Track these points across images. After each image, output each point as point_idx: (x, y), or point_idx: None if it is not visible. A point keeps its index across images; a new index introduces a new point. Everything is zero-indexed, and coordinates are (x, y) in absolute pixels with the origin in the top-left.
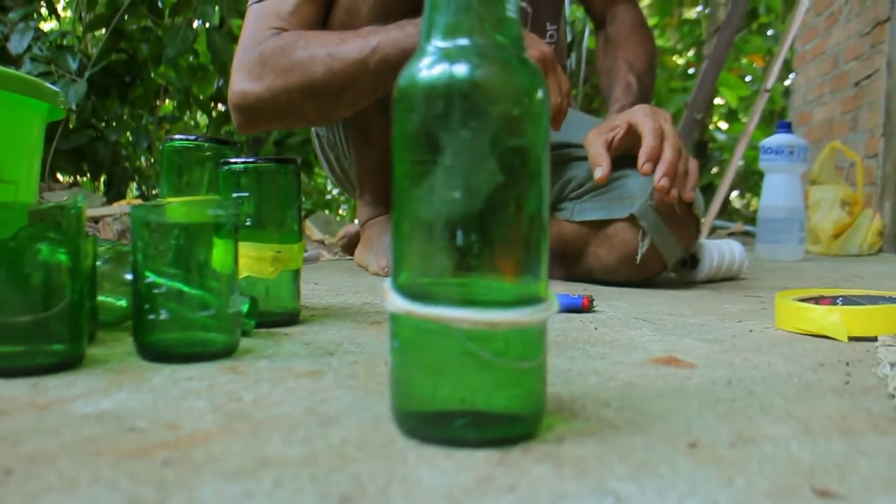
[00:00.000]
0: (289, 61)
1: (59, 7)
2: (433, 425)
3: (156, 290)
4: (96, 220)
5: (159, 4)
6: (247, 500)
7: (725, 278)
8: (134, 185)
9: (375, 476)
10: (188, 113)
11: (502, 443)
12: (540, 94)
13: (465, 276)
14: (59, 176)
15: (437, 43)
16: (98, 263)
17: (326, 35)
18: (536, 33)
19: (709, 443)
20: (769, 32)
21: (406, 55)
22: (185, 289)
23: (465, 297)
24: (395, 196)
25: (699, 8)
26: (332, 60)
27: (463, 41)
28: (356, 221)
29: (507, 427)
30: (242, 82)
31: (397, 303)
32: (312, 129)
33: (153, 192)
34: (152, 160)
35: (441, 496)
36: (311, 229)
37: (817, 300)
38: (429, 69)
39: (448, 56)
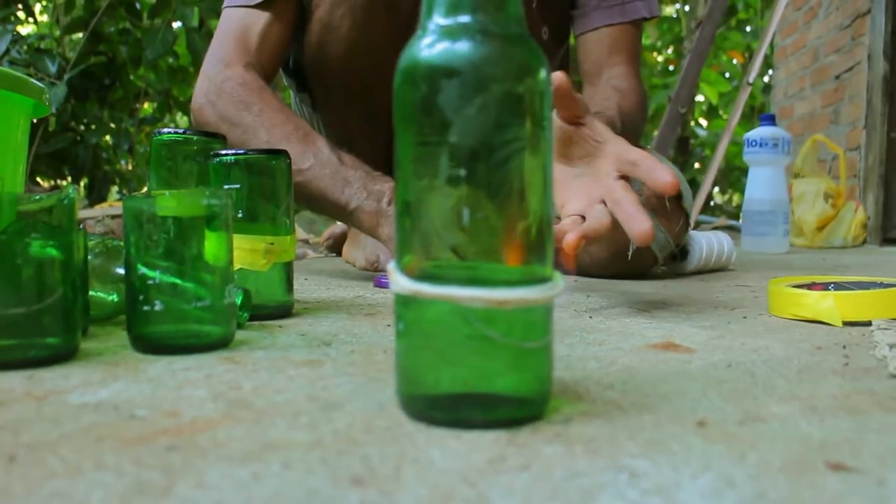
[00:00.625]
0: (238, 118)
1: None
2: (440, 407)
3: (149, 282)
4: (79, 222)
5: (137, 6)
6: (256, 482)
7: (714, 269)
8: (115, 188)
9: (386, 458)
10: (168, 115)
11: (510, 424)
12: (543, 73)
13: (471, 257)
14: (40, 180)
15: (439, 20)
16: (88, 258)
17: (280, 127)
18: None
19: (717, 421)
20: (747, 29)
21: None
22: (178, 281)
23: (472, 277)
24: (397, 178)
25: (677, 5)
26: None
27: (464, 18)
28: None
29: (515, 408)
30: (202, 97)
31: (404, 284)
32: None
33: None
34: (133, 163)
35: (455, 476)
36: (296, 229)
37: (809, 287)
38: (430, 48)
39: (450, 33)
